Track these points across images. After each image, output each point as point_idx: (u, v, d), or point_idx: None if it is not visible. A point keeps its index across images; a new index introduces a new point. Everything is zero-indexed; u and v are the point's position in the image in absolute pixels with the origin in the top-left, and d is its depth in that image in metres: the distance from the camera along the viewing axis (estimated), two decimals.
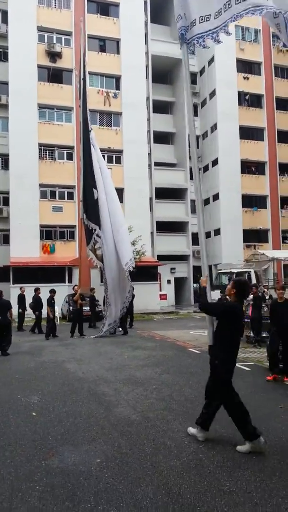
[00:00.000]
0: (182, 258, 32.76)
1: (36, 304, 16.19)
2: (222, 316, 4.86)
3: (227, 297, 5.28)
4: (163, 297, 28.66)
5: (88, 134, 11.67)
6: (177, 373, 8.40)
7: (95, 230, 10.85)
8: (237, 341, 4.86)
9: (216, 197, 32.32)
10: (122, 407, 6.15)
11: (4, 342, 11.19)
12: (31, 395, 6.92)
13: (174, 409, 6.01)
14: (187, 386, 7.29)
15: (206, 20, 4.94)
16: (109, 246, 11.44)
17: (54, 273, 25.82)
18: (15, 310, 16.67)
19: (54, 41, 28.16)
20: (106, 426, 5.34)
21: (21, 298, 17.16)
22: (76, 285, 16.27)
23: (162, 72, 34.54)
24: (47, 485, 3.82)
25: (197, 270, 33.99)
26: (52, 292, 14.76)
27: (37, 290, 16.32)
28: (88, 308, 17.21)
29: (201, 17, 4.98)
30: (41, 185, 27.13)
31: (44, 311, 15.42)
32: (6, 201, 28.10)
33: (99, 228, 11.33)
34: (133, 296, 16.31)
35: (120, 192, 27.71)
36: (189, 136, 5.39)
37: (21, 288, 17.81)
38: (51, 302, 14.54)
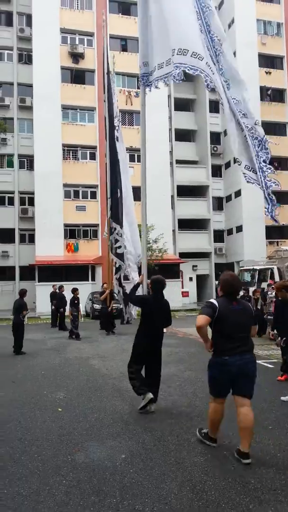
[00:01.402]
0: (204, 255, 32.64)
1: (60, 301, 16.44)
2: (139, 306, 6.19)
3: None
4: (185, 294, 28.64)
5: (114, 131, 11.70)
6: (200, 370, 8.40)
7: (115, 229, 10.88)
8: (148, 330, 5.80)
9: (238, 193, 32.02)
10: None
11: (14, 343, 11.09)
12: (57, 391, 7.07)
13: (197, 406, 6.04)
14: None
15: (160, 68, 5.93)
16: (129, 242, 11.29)
17: (78, 271, 26.16)
18: (47, 306, 17.03)
19: (77, 42, 28.46)
20: (130, 422, 5.42)
21: (53, 296, 17.41)
22: (105, 283, 16.14)
23: None
24: (73, 479, 3.90)
25: (219, 267, 33.80)
26: (75, 291, 14.35)
27: (60, 288, 16.59)
28: (117, 305, 17.01)
29: (158, 65, 5.96)
30: (65, 185, 27.50)
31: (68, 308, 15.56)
32: (31, 202, 28.63)
33: (120, 227, 11.34)
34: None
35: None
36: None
37: (53, 286, 18.02)
38: (74, 303, 14.23)
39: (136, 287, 6.33)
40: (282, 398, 6.31)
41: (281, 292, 7.42)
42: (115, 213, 11.13)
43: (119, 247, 10.61)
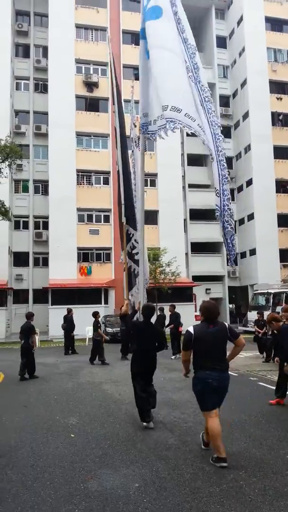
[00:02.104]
0: (217, 278, 32.48)
1: (70, 325, 16.37)
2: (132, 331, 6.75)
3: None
4: (198, 317, 28.33)
5: (126, 144, 11.84)
6: None
7: (132, 235, 10.81)
8: (140, 351, 6.43)
9: (251, 217, 32.03)
10: (160, 430, 6.12)
11: (26, 368, 10.94)
12: (69, 416, 7.00)
13: None
14: (225, 410, 7.15)
15: (155, 123, 6.36)
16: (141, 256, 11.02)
17: (91, 295, 26.22)
18: (60, 330, 16.90)
19: (91, 72, 29.36)
20: (143, 449, 5.33)
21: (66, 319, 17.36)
22: (123, 306, 15.92)
23: None
24: (86, 508, 3.84)
25: (232, 291, 33.55)
26: (96, 315, 13.99)
27: (70, 311, 16.53)
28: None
29: (154, 120, 6.40)
30: (78, 209, 27.89)
31: (80, 332, 15.46)
32: (45, 226, 29.03)
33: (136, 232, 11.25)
34: (164, 317, 16.27)
35: (154, 214, 28.05)
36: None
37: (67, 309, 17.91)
38: (97, 326, 13.81)
39: (133, 313, 7.21)
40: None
41: (272, 324, 7.45)
42: (132, 220, 11.10)
43: (137, 253, 10.51)
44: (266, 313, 14.95)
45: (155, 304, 16.47)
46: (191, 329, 5.06)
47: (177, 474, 4.54)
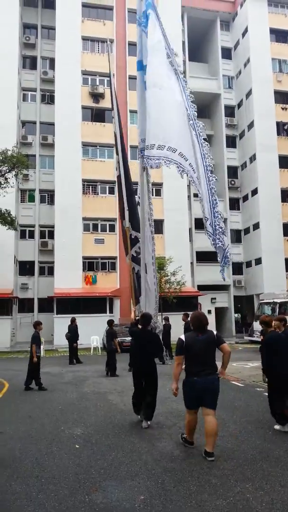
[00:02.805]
0: (222, 288, 32.33)
1: (73, 334, 16.32)
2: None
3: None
4: None
5: (125, 148, 11.94)
6: (220, 407, 8.11)
7: (138, 239, 10.72)
8: (139, 358, 6.99)
9: (256, 226, 31.98)
10: (165, 441, 6.06)
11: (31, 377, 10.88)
12: (74, 427, 6.96)
13: (218, 445, 5.83)
14: (231, 421, 7.09)
15: (151, 148, 6.56)
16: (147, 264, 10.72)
17: (96, 304, 26.20)
18: (65, 339, 16.79)
19: (97, 83, 29.67)
20: (149, 461, 5.27)
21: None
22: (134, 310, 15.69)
23: (200, 107, 35.25)
24: None
25: (238, 300, 33.39)
26: (111, 323, 13.65)
27: (73, 321, 16.48)
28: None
29: (151, 145, 6.59)
30: (84, 219, 28.01)
31: (85, 341, 15.37)
32: (51, 235, 29.17)
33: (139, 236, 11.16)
34: (169, 326, 16.15)
35: (160, 223, 28.10)
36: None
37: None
38: (113, 335, 13.47)
39: (136, 323, 7.73)
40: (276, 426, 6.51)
41: (263, 327, 7.21)
42: (137, 225, 11.03)
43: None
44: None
45: (160, 314, 16.38)
46: (182, 337, 5.62)
47: (183, 487, 4.48)
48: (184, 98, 6.86)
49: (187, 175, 6.43)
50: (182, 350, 5.50)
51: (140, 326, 7.25)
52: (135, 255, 10.20)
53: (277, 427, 6.53)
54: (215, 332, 5.61)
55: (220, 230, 6.56)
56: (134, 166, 11.66)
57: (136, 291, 9.38)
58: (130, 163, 11.57)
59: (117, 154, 10.99)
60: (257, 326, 20.88)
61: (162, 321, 15.31)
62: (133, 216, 11.15)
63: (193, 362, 5.40)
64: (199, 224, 32.20)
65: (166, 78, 6.95)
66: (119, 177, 10.78)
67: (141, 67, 7.62)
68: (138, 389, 7.09)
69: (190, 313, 6.62)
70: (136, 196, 10.25)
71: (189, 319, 6.13)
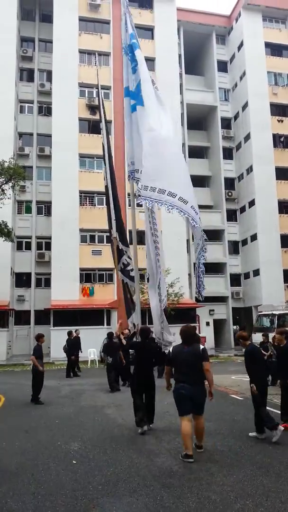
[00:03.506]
0: (220, 299, 32.26)
1: (71, 347, 16.18)
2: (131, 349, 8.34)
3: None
4: (202, 339, 28.02)
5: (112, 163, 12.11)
6: (219, 421, 8.09)
7: (126, 251, 10.63)
8: (139, 369, 7.48)
9: (254, 237, 32.03)
10: (164, 456, 5.96)
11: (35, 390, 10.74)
12: (71, 441, 6.84)
13: (217, 460, 5.76)
14: (231, 435, 6.99)
15: (159, 192, 6.55)
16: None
17: (93, 316, 26.03)
18: (62, 352, 16.62)
19: (94, 95, 29.86)
20: (147, 477, 5.18)
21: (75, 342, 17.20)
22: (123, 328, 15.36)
23: (197, 119, 35.66)
24: None
25: (236, 312, 33.28)
26: (111, 336, 13.17)
27: (70, 333, 16.39)
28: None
29: (151, 187, 6.57)
30: (81, 230, 27.98)
31: (83, 354, 15.10)
32: (48, 246, 29.07)
33: (127, 249, 11.04)
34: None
35: None
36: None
37: (76, 330, 17.66)
38: (115, 348, 12.82)
39: (132, 335, 8.47)
40: (250, 434, 6.91)
41: (240, 342, 7.42)
42: (122, 236, 10.95)
43: (132, 269, 10.27)
44: (271, 335, 14.79)
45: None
46: (170, 349, 6.42)
47: (182, 503, 4.39)
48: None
49: (188, 219, 6.61)
50: (169, 360, 6.24)
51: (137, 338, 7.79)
52: (123, 267, 10.10)
53: (252, 434, 6.87)
54: (201, 347, 6.14)
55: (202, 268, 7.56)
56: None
57: (127, 304, 9.31)
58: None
59: (105, 164, 11.08)
60: (256, 338, 20.82)
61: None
62: (120, 228, 11.11)
63: (179, 371, 6.01)
64: None
65: (160, 119, 7.25)
66: (106, 187, 10.83)
67: (128, 93, 8.14)
68: (140, 398, 7.49)
69: (180, 325, 6.66)
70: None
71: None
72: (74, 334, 16.91)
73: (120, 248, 10.52)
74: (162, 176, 6.56)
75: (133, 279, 9.43)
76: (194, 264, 7.31)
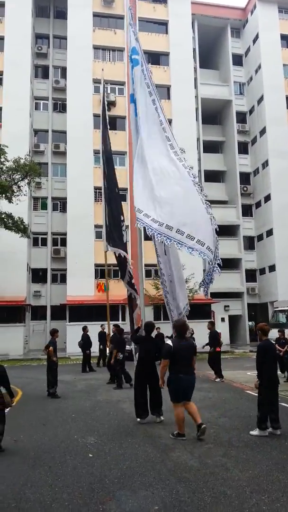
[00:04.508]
0: (236, 295, 32.08)
1: (85, 342, 16.32)
2: (135, 343, 8.51)
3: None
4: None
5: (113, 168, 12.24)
6: (235, 417, 8.09)
7: (127, 259, 10.60)
8: (143, 361, 7.82)
9: (269, 232, 31.72)
10: (179, 451, 5.99)
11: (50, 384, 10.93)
12: (87, 435, 6.92)
13: (233, 455, 5.76)
14: (246, 431, 6.98)
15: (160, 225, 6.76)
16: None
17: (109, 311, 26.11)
18: (78, 347, 16.90)
19: (109, 91, 29.87)
20: (163, 471, 5.21)
21: (102, 335, 17.68)
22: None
23: (212, 113, 35.36)
24: None
25: (251, 308, 33.06)
26: (120, 331, 13.18)
27: (85, 329, 16.55)
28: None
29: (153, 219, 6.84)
30: (96, 226, 28.05)
31: (96, 348, 15.20)
32: (63, 242, 29.31)
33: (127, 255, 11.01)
34: (162, 335, 16.05)
35: None
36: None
37: (101, 325, 18.02)
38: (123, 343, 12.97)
39: (137, 330, 8.71)
40: (251, 432, 6.84)
41: (259, 334, 7.32)
42: (120, 240, 10.91)
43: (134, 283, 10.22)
44: (287, 331, 14.68)
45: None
46: (170, 343, 6.78)
47: (197, 498, 4.41)
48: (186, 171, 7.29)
49: (191, 252, 6.72)
50: (170, 354, 6.57)
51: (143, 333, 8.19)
52: (129, 280, 9.96)
53: (254, 432, 6.77)
54: (194, 342, 7.29)
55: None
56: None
57: (131, 318, 9.55)
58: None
59: (103, 162, 11.19)
60: (271, 334, 20.67)
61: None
62: (116, 231, 10.81)
63: (178, 363, 6.53)
64: None
65: (164, 159, 7.49)
66: (105, 187, 10.90)
67: (133, 100, 8.33)
68: (142, 389, 7.83)
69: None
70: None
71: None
72: (100, 329, 17.20)
73: (122, 256, 10.46)
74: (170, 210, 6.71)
75: (137, 292, 9.48)
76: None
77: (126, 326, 25.41)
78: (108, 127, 12.97)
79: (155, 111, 7.86)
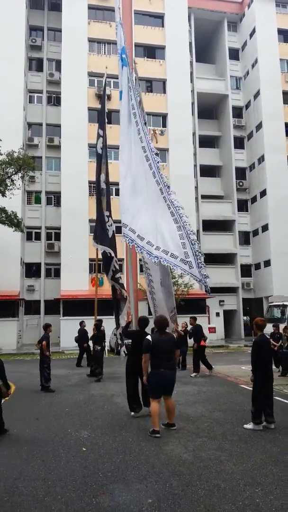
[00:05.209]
0: (231, 290, 32.15)
1: (82, 337, 16.27)
2: (128, 338, 8.41)
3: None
4: (212, 330, 28.05)
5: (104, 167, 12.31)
6: (229, 411, 8.08)
7: (112, 256, 10.61)
8: (135, 356, 7.56)
9: (265, 228, 31.76)
10: (173, 444, 5.97)
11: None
12: (81, 429, 6.89)
13: (227, 449, 5.75)
14: (241, 425, 6.98)
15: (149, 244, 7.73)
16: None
17: (103, 306, 26.04)
18: (72, 341, 16.83)
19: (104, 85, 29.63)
20: (156, 464, 5.19)
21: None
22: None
23: (208, 108, 35.25)
24: None
25: (246, 303, 33.16)
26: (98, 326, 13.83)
27: (82, 323, 16.51)
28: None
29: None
30: (90, 220, 27.90)
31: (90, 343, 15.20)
32: (57, 237, 29.18)
33: (115, 254, 10.96)
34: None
35: None
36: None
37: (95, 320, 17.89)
38: (98, 337, 13.70)
39: (127, 325, 8.77)
40: (245, 426, 6.83)
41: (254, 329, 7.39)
42: (105, 237, 10.92)
43: (120, 277, 10.41)
44: (282, 326, 14.72)
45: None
46: (149, 338, 6.71)
47: (191, 491, 4.39)
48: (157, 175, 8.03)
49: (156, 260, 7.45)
50: (149, 349, 6.56)
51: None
52: (112, 274, 10.02)
53: (248, 426, 6.75)
54: (175, 336, 7.34)
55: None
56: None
57: (116, 306, 9.58)
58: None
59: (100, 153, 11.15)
60: (267, 329, 20.76)
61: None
62: (101, 228, 10.86)
63: (159, 357, 6.50)
64: (206, 225, 32.12)
65: (139, 166, 8.13)
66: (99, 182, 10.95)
67: (121, 97, 9.07)
68: (132, 382, 7.92)
69: (190, 316, 7.06)
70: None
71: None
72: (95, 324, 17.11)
73: (107, 252, 10.48)
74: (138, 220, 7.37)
75: (123, 286, 9.61)
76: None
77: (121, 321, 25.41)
78: (106, 120, 12.84)
79: (134, 116, 8.67)
